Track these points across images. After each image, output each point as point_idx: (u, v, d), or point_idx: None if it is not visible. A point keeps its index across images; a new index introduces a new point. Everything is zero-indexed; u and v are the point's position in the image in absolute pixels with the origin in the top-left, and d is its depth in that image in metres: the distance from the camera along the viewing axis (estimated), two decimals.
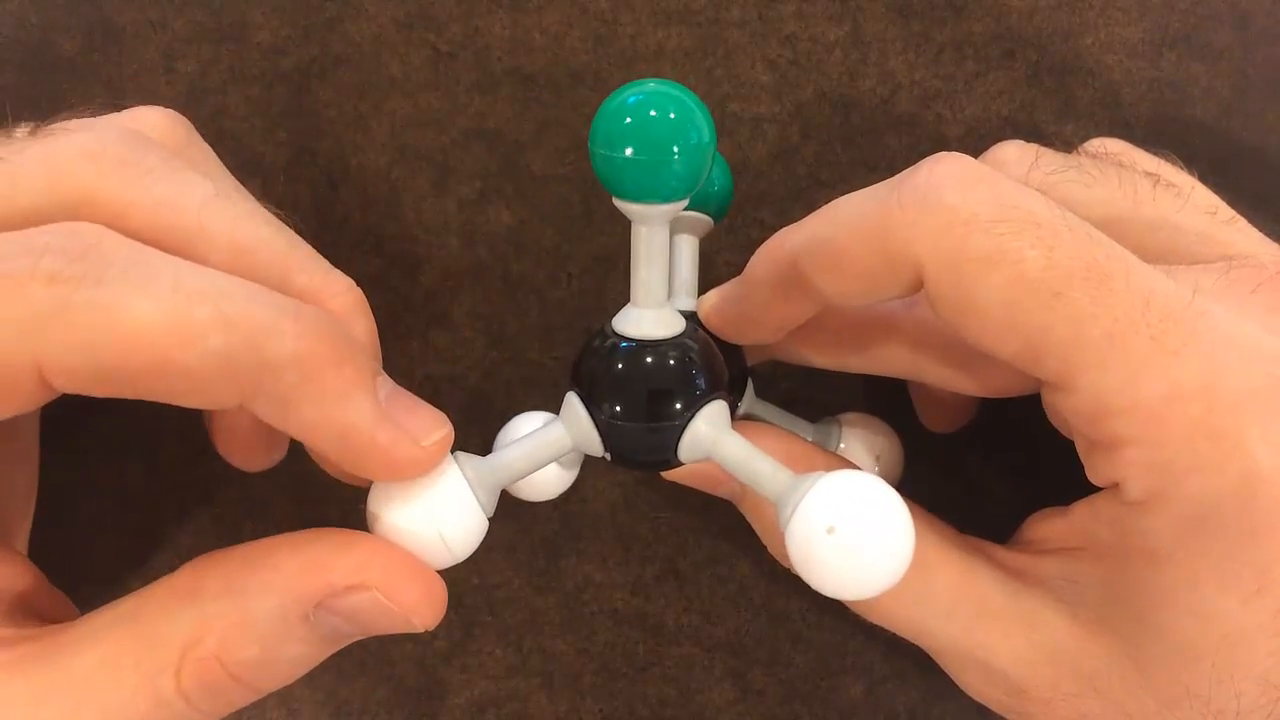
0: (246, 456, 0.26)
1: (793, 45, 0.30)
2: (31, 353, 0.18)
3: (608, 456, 0.23)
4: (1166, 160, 0.26)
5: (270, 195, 0.30)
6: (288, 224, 0.24)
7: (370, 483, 0.22)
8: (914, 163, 0.21)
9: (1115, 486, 0.21)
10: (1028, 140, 0.27)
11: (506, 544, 0.31)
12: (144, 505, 0.31)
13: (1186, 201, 0.24)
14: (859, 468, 0.24)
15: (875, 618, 0.24)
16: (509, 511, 0.29)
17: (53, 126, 0.22)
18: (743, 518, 0.26)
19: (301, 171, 0.31)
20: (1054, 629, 0.22)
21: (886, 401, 0.29)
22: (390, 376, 0.22)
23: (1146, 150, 0.26)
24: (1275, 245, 0.24)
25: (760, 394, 0.27)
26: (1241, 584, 0.19)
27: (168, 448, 0.31)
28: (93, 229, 0.19)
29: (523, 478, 0.23)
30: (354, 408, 0.20)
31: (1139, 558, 0.21)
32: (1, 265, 0.18)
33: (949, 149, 0.21)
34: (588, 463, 0.25)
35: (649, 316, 0.22)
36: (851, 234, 0.21)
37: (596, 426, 0.22)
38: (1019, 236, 0.19)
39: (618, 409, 0.22)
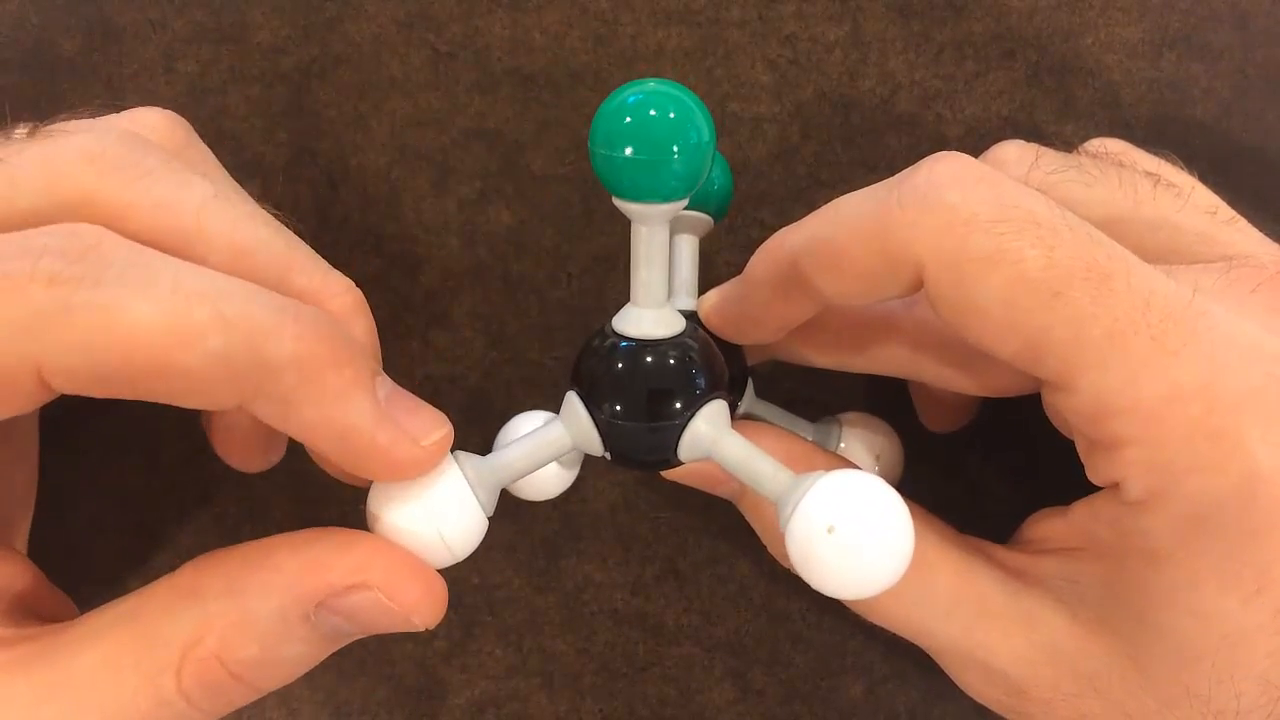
0: (245, 457, 0.26)
1: (793, 45, 0.30)
2: (31, 354, 0.18)
3: (608, 456, 0.23)
4: (1166, 160, 0.26)
5: (270, 195, 0.30)
6: (288, 224, 0.24)
7: (370, 483, 0.22)
8: (914, 163, 0.21)
9: (1115, 486, 0.21)
10: (1028, 140, 0.27)
11: (506, 544, 0.31)
12: (144, 505, 0.31)
13: (1187, 201, 0.24)
14: (859, 467, 0.24)
15: (875, 618, 0.24)
16: (509, 511, 0.29)
17: (52, 127, 0.22)
18: (743, 518, 0.26)
19: (301, 171, 0.31)
20: (1054, 629, 0.22)
21: (887, 401, 0.29)
22: (390, 376, 0.22)
23: (1146, 150, 0.26)
24: (1275, 245, 0.24)
25: (760, 393, 0.27)
26: (1241, 584, 0.19)
27: (168, 448, 0.31)
28: (92, 230, 0.19)
29: (523, 477, 0.23)
30: (354, 408, 0.20)
31: (1139, 557, 0.21)
32: (1, 266, 0.18)
33: (949, 149, 0.21)
34: (588, 463, 0.25)
35: (649, 316, 0.22)
36: (851, 234, 0.21)
37: (596, 426, 0.22)
38: (1019, 236, 0.19)
39: (618, 408, 0.22)
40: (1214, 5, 0.30)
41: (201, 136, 0.26)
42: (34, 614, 0.23)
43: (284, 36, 0.31)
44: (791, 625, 0.31)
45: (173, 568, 0.21)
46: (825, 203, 0.22)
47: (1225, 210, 0.24)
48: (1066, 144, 0.27)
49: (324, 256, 0.24)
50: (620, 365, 0.22)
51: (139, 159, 0.22)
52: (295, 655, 0.21)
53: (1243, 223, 0.24)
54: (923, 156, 0.21)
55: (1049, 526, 0.24)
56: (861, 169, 0.31)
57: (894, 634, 0.24)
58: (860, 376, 0.26)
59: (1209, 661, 0.20)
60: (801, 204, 0.31)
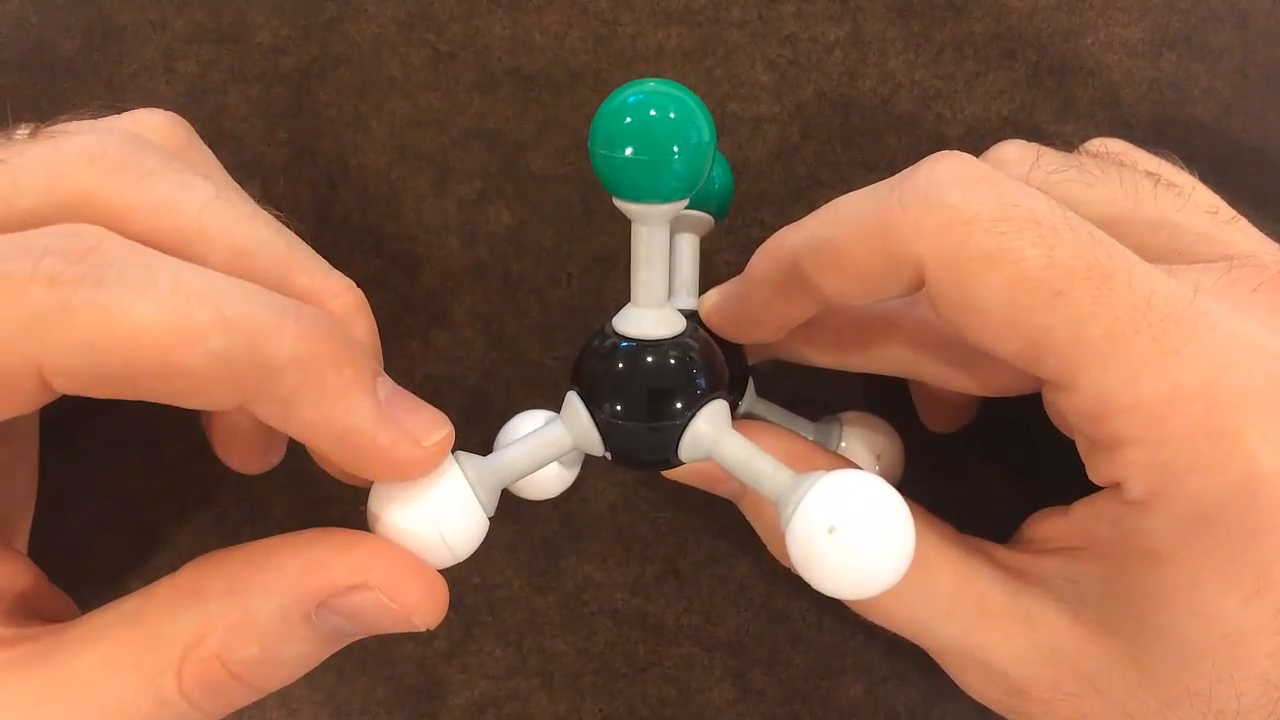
0: (245, 459, 0.26)
1: (793, 45, 0.30)
2: (32, 354, 0.18)
3: (608, 456, 0.23)
4: (1167, 160, 0.26)
5: (270, 196, 0.30)
6: (288, 224, 0.24)
7: (370, 483, 0.22)
8: (914, 163, 0.21)
9: (1116, 486, 0.21)
10: (1028, 140, 0.27)
11: (506, 544, 0.31)
12: (144, 505, 0.31)
13: (1187, 201, 0.24)
14: (860, 467, 0.24)
15: (875, 618, 0.24)
16: (509, 511, 0.29)
17: (53, 128, 0.22)
18: (743, 517, 0.26)
19: (301, 171, 0.31)
20: (1054, 629, 0.22)
21: (887, 401, 0.29)
22: (390, 376, 0.22)
23: (1147, 150, 0.26)
24: (1276, 245, 0.24)
25: (761, 393, 0.27)
26: (1242, 584, 0.19)
27: (168, 448, 0.31)
28: (93, 230, 0.19)
29: (523, 477, 0.23)
30: (355, 408, 0.20)
31: (1139, 557, 0.21)
32: (2, 266, 0.18)
33: (949, 149, 0.21)
34: (588, 463, 0.25)
35: (649, 316, 0.22)
36: (852, 233, 0.21)
37: (597, 426, 0.22)
38: (1020, 235, 0.19)
39: (618, 408, 0.22)
40: (1214, 5, 0.30)
41: (201, 136, 0.26)
42: (35, 614, 0.23)
43: (284, 36, 0.31)
44: (791, 625, 0.31)
45: (173, 568, 0.21)
46: (825, 203, 0.22)
47: (1226, 210, 0.24)
48: (1067, 144, 0.27)
49: (324, 256, 0.24)
50: (621, 365, 0.22)
51: (140, 160, 0.22)
52: (296, 656, 0.21)
53: (1243, 222, 0.24)
54: (923, 156, 0.21)
55: (1049, 526, 0.24)
56: (861, 169, 0.31)
57: (894, 634, 0.24)
58: (861, 376, 0.26)
59: (1209, 661, 0.20)
60: (801, 204, 0.31)
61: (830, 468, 0.21)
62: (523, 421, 0.25)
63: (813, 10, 0.30)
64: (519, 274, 0.31)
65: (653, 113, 0.20)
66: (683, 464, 0.23)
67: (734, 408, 0.26)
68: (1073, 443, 0.22)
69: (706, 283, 0.26)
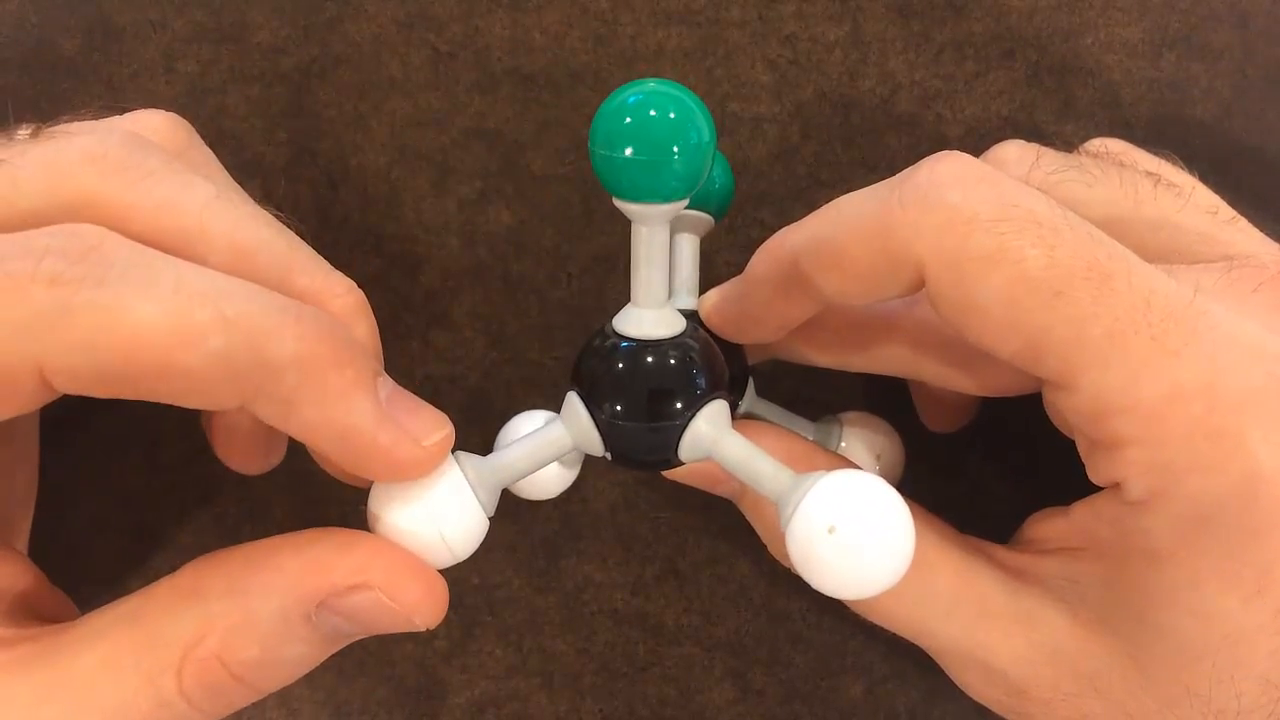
0: (245, 459, 0.26)
1: (793, 45, 0.30)
2: (33, 354, 0.18)
3: (608, 456, 0.23)
4: (1167, 160, 0.26)
5: (270, 196, 0.30)
6: (288, 224, 0.24)
7: (371, 483, 0.22)
8: (914, 163, 0.21)
9: (1116, 486, 0.21)
10: (1028, 140, 0.27)
11: (507, 544, 0.31)
12: (144, 505, 0.31)
13: (1187, 201, 0.24)
14: (860, 467, 0.24)
15: (875, 618, 0.24)
16: (509, 511, 0.29)
17: (54, 129, 0.23)
18: (743, 517, 0.26)
19: (301, 171, 0.31)
20: (1054, 629, 0.22)
21: (887, 401, 0.29)
22: (390, 376, 0.22)
23: (1147, 150, 0.26)
24: (1276, 245, 0.24)
25: (761, 393, 0.27)
26: (1242, 584, 0.19)
27: (168, 448, 0.31)
28: (94, 230, 0.19)
29: (523, 477, 0.23)
30: (355, 409, 0.20)
31: (1140, 557, 0.21)
32: (3, 266, 0.18)
33: (949, 149, 0.21)
34: (588, 463, 0.25)
35: (649, 316, 0.22)
36: (852, 233, 0.21)
37: (597, 426, 0.22)
38: (1020, 235, 0.19)
39: (618, 409, 0.22)
40: (1214, 5, 0.30)
41: (202, 136, 0.26)
42: (34, 614, 0.23)
43: (284, 36, 0.31)
44: (791, 625, 0.31)
45: (173, 568, 0.21)
46: (825, 203, 0.22)
47: (1226, 210, 0.24)
48: (1067, 144, 0.27)
49: (324, 256, 0.24)
50: (621, 365, 0.22)
51: (141, 160, 0.22)
52: (296, 656, 0.21)
53: (1243, 222, 0.24)
54: (923, 156, 0.21)
55: (1050, 526, 0.24)
56: (861, 169, 0.31)
57: (894, 634, 0.24)
58: (861, 376, 0.26)
59: (1210, 661, 0.20)
60: (801, 204, 0.31)
61: (830, 468, 0.21)
62: (523, 421, 0.25)
63: (813, 10, 0.30)
64: (519, 274, 0.31)
65: (652, 113, 0.20)
66: (683, 464, 0.23)
67: (734, 408, 0.26)
68: (1073, 443, 0.22)
69: (706, 283, 0.26)
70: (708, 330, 0.25)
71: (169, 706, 0.20)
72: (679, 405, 0.22)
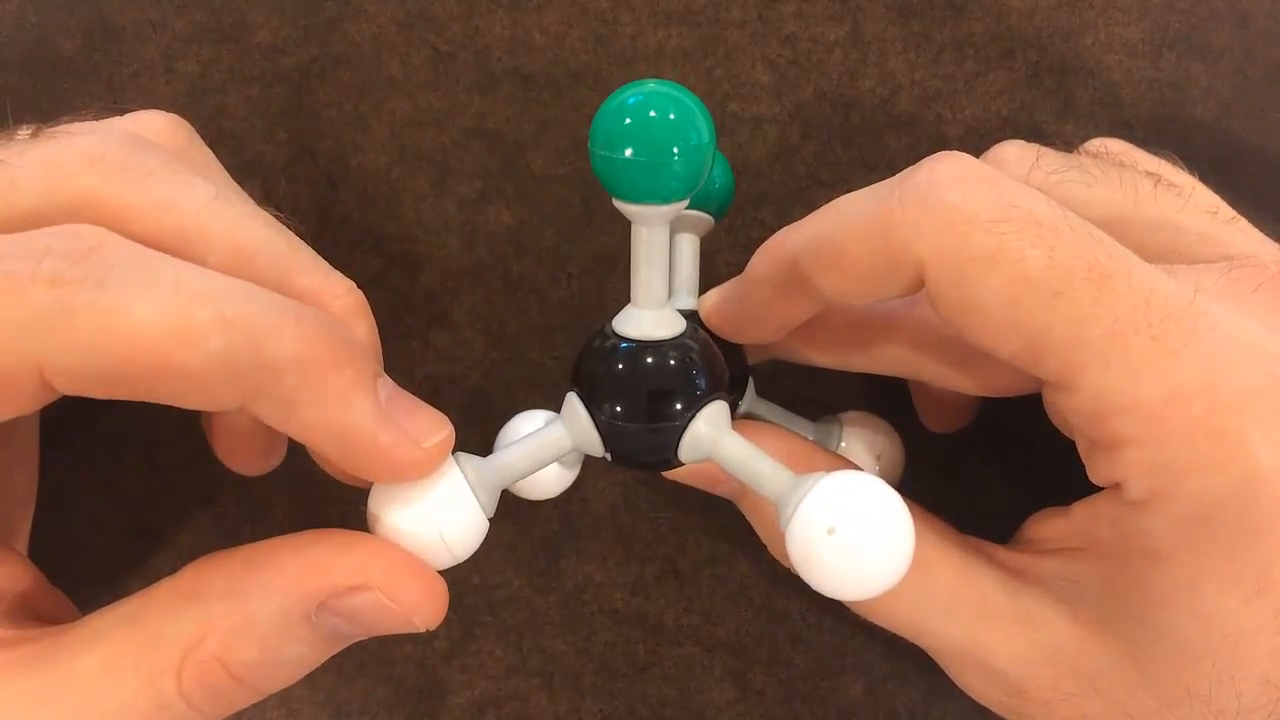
0: (244, 460, 0.26)
1: (793, 45, 0.30)
2: (32, 354, 0.18)
3: (608, 457, 0.23)
4: (1167, 160, 0.26)
5: (270, 195, 0.30)
6: (288, 225, 0.24)
7: (370, 484, 0.22)
8: (914, 163, 0.21)
9: (1116, 486, 0.21)
10: (1028, 140, 0.27)
11: (506, 544, 0.31)
12: (144, 505, 0.31)
13: (1187, 201, 0.24)
14: (860, 467, 0.24)
15: (875, 618, 0.24)
16: (509, 511, 0.29)
17: (54, 129, 0.22)
18: (743, 517, 0.26)
19: (301, 171, 0.31)
20: (1054, 629, 0.22)
21: (887, 401, 0.29)
22: (390, 377, 0.22)
23: (1147, 150, 0.26)
24: (1276, 245, 0.24)
25: (761, 393, 0.27)
26: (1242, 584, 0.19)
27: (168, 448, 0.31)
28: (94, 231, 0.19)
29: (523, 478, 0.23)
30: (355, 409, 0.20)
31: (1140, 557, 0.21)
32: (3, 267, 0.18)
33: (949, 149, 0.21)
34: (588, 463, 0.25)
35: (649, 317, 0.22)
36: (852, 233, 0.21)
37: (597, 427, 0.22)
38: (1020, 236, 0.19)
39: (618, 409, 0.22)
40: (1214, 5, 0.30)
41: (202, 136, 0.26)
42: (34, 615, 0.23)
43: (284, 36, 0.30)
44: (791, 625, 0.31)
45: (173, 568, 0.21)
46: (825, 203, 0.22)
47: (1226, 210, 0.24)
48: (1067, 144, 0.27)
49: (324, 256, 0.24)
50: (620, 366, 0.22)
51: (140, 160, 0.22)
52: (296, 657, 0.21)
53: (1243, 223, 0.24)
54: (923, 156, 0.21)
55: (1050, 526, 0.24)
56: (861, 169, 0.31)
57: (894, 634, 0.24)
58: (861, 376, 0.26)
59: (1210, 661, 0.20)
60: (801, 204, 0.31)
61: (830, 468, 0.21)
62: (523, 422, 0.25)
63: (813, 10, 0.30)
64: (519, 274, 0.31)
65: (652, 114, 0.20)
66: (683, 465, 0.23)
67: (734, 408, 0.26)
68: (1073, 443, 0.22)
69: (706, 283, 0.26)
70: (708, 330, 0.25)
71: (169, 708, 0.20)
72: (679, 406, 0.22)
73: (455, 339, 0.31)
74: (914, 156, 0.21)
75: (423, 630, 0.21)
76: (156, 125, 0.25)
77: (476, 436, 0.25)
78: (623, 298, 0.23)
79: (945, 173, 0.20)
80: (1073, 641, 0.22)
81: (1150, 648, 0.21)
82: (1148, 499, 0.20)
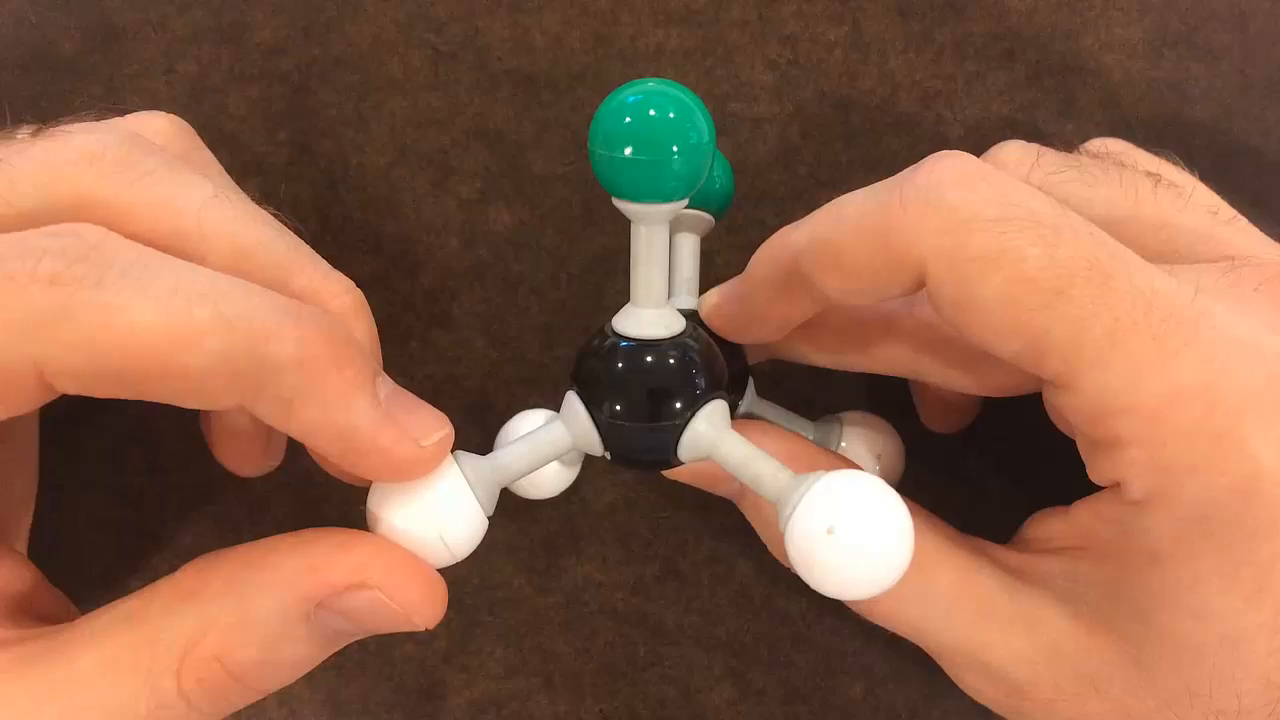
0: (243, 461, 0.26)
1: (793, 45, 0.30)
2: (32, 354, 0.18)
3: (607, 456, 0.23)
4: (1167, 160, 0.26)
5: (270, 196, 0.30)
6: (288, 224, 0.24)
7: (370, 483, 0.22)
8: (914, 163, 0.21)
9: (1116, 486, 0.21)
10: (1028, 140, 0.27)
11: (506, 544, 0.31)
12: (144, 505, 0.31)
13: (1188, 201, 0.24)
14: (860, 467, 0.24)
15: (875, 618, 0.24)
16: (509, 511, 0.29)
17: (54, 129, 0.23)
18: (743, 517, 0.26)
19: (301, 171, 0.31)
20: (1055, 629, 0.22)
21: (888, 401, 0.29)
22: (390, 376, 0.22)
23: (1147, 150, 0.26)
24: (1276, 245, 0.24)
25: (761, 392, 0.27)
26: (1243, 584, 0.19)
27: (168, 447, 0.31)
28: (94, 230, 0.19)
29: (523, 477, 0.23)
30: (355, 409, 0.20)
31: (1140, 557, 0.21)
32: (2, 267, 0.18)
33: (949, 149, 0.21)
34: (588, 463, 0.25)
35: (649, 316, 0.22)
36: (853, 232, 0.21)
37: (596, 426, 0.22)
38: (1021, 235, 0.19)
39: (617, 409, 0.22)
40: (1214, 5, 0.30)
41: (202, 136, 0.26)
42: (34, 615, 0.23)
43: (284, 36, 0.31)
44: (791, 625, 0.31)
45: (173, 568, 0.21)
46: (825, 203, 0.22)
47: (1226, 210, 0.24)
48: (1067, 144, 0.27)
49: (324, 256, 0.24)
50: (620, 365, 0.22)
51: (139, 159, 0.22)
52: (295, 656, 0.21)
53: (1244, 222, 0.24)
54: (923, 156, 0.21)
55: (1050, 526, 0.24)
56: (861, 169, 0.31)
57: (894, 634, 0.24)
58: (861, 375, 0.26)
59: (1210, 661, 0.20)
60: (801, 204, 0.30)
61: (830, 468, 0.21)
62: (523, 421, 0.25)
63: (813, 10, 0.30)
64: (519, 274, 0.31)
65: (652, 113, 0.20)
66: (682, 464, 0.23)
67: (734, 407, 0.26)
68: (1073, 443, 0.22)
69: (707, 283, 0.26)
70: (708, 330, 0.25)
71: (168, 707, 0.20)
72: (678, 405, 0.22)
73: (455, 339, 0.31)
74: (914, 156, 0.21)
75: (422, 629, 0.21)
76: (157, 126, 0.25)
77: (476, 436, 0.25)
78: (623, 297, 0.23)
79: (946, 172, 0.20)
80: (1073, 641, 0.22)
81: (1151, 647, 0.21)
82: (1148, 499, 0.20)
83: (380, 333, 0.25)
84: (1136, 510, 0.20)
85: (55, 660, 0.20)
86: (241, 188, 0.25)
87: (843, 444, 0.28)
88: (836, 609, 0.30)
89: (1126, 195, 0.24)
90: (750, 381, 0.27)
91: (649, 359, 0.22)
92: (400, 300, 0.31)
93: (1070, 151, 0.26)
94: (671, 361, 0.22)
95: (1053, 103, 0.31)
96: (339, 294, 0.24)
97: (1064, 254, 0.19)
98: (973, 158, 0.21)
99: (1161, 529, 0.20)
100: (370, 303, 0.25)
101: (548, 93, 0.31)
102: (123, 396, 0.19)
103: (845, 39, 0.30)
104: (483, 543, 0.22)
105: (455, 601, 0.22)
